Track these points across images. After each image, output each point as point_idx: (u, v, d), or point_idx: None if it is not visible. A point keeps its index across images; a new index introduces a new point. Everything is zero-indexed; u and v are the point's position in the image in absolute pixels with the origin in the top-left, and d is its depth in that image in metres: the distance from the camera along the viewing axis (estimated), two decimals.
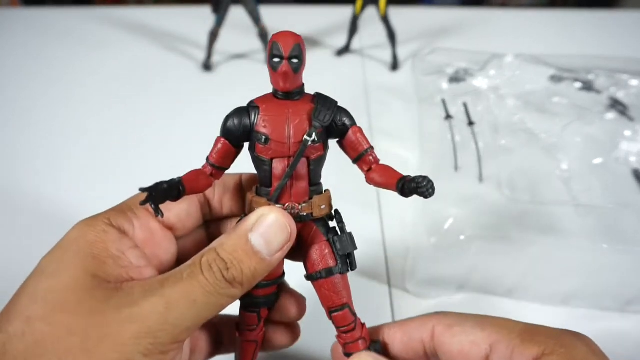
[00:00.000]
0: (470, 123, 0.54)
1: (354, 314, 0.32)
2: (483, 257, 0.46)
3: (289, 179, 0.29)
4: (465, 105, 0.55)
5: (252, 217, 0.28)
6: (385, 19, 0.84)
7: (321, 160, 0.30)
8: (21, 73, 0.88)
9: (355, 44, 0.97)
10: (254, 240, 0.27)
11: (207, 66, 0.89)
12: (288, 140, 0.29)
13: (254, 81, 0.86)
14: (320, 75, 0.95)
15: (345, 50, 0.94)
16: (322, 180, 0.32)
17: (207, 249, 0.27)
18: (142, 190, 0.25)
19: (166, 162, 0.67)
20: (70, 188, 0.63)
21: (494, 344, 0.28)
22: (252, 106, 0.30)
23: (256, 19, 0.85)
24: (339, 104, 0.30)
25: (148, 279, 0.26)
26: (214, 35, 0.86)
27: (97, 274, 0.26)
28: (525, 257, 0.45)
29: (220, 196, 0.35)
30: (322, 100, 0.30)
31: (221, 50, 0.93)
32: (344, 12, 0.95)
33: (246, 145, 0.31)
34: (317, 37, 1.02)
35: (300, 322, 0.37)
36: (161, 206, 0.26)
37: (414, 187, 0.27)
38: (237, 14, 0.88)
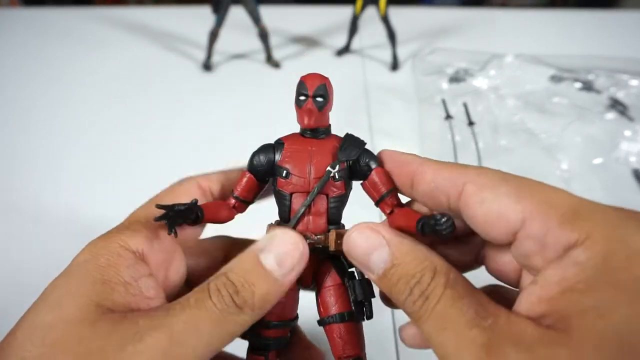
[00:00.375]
0: (470, 123, 0.54)
1: None
2: None
3: (306, 208, 0.29)
4: (465, 105, 0.55)
5: (263, 238, 0.27)
6: (385, 19, 0.84)
7: (342, 200, 0.30)
8: (21, 73, 0.89)
9: (355, 44, 0.97)
10: (264, 260, 0.25)
11: (207, 66, 0.89)
12: (308, 176, 0.29)
13: (253, 81, 0.86)
14: None
15: (345, 50, 0.94)
16: None
17: (216, 274, 0.26)
18: (159, 207, 0.26)
19: (166, 161, 0.67)
20: (70, 188, 0.63)
21: (527, 221, 0.23)
22: (278, 143, 0.30)
23: (256, 19, 0.85)
24: (366, 146, 0.30)
25: (154, 308, 0.25)
26: (214, 35, 0.86)
27: (102, 302, 0.24)
28: None
29: None
30: (350, 139, 0.30)
31: (221, 50, 0.93)
32: (344, 12, 0.95)
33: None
34: (317, 37, 1.02)
35: None
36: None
37: (432, 223, 0.25)
38: (237, 14, 0.88)
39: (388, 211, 0.29)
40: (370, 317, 0.29)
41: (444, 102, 0.58)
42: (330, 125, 0.31)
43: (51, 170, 0.66)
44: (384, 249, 0.25)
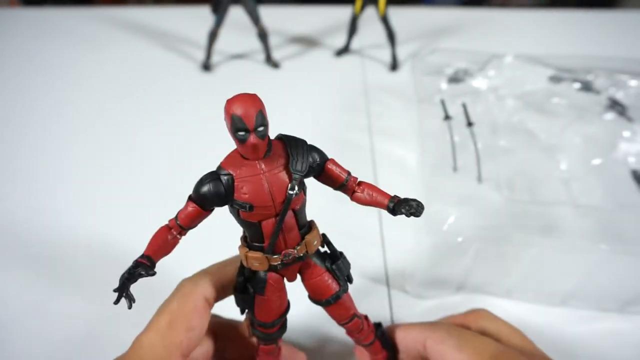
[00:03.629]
0: (470, 123, 0.54)
1: (360, 317, 0.35)
2: (482, 258, 0.46)
3: (279, 232, 0.29)
4: (464, 106, 0.55)
5: None
6: (384, 19, 0.85)
7: (304, 205, 0.31)
8: (21, 73, 0.89)
9: (355, 44, 0.97)
10: None
11: (207, 66, 0.89)
12: (272, 202, 0.28)
13: (253, 81, 0.86)
14: (319, 76, 0.95)
15: (344, 50, 0.94)
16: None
17: None
18: (115, 290, 0.27)
19: (165, 162, 0.67)
20: (69, 188, 0.63)
21: None
22: (223, 173, 0.28)
23: (256, 19, 0.85)
24: (308, 143, 0.30)
25: None
26: (213, 36, 0.86)
27: None
28: (524, 258, 0.45)
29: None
30: (293, 147, 0.29)
31: (221, 50, 0.93)
32: (344, 12, 0.95)
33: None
34: (317, 37, 1.02)
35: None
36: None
37: (404, 212, 0.29)
38: (236, 14, 0.88)
39: (350, 193, 0.31)
40: (351, 281, 0.34)
41: (442, 102, 0.58)
42: (268, 137, 0.29)
43: (51, 170, 0.66)
44: None
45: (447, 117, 0.56)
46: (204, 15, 0.88)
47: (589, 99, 0.62)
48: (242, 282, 0.32)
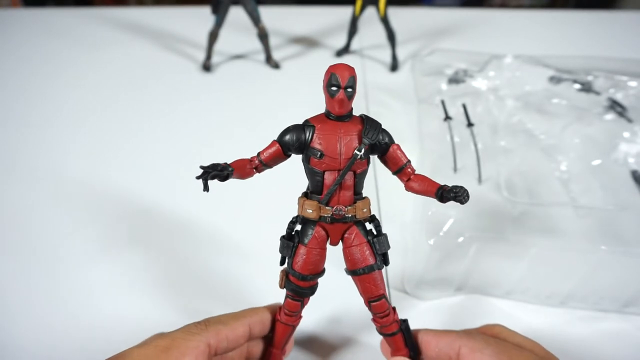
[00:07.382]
0: (470, 124, 0.54)
1: (389, 302, 0.37)
2: (482, 258, 0.46)
3: (338, 186, 0.34)
4: (464, 106, 0.55)
5: None
6: (384, 20, 0.85)
7: (364, 173, 0.35)
8: (22, 73, 0.89)
9: (355, 44, 0.97)
10: None
11: (207, 67, 0.89)
12: (340, 156, 0.33)
13: (253, 82, 0.86)
14: (320, 76, 0.95)
15: (344, 50, 0.94)
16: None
17: None
18: (202, 167, 0.31)
19: (164, 162, 0.67)
20: (68, 188, 0.63)
21: None
22: (308, 125, 0.34)
23: (256, 19, 0.85)
24: (382, 126, 0.35)
25: None
26: (213, 36, 0.86)
27: None
28: (524, 258, 0.45)
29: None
30: (369, 122, 0.34)
31: (221, 50, 0.93)
32: (344, 13, 0.95)
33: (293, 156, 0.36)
34: (317, 37, 1.02)
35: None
36: None
37: (452, 196, 0.32)
38: (236, 15, 0.88)
39: (406, 179, 0.36)
40: (387, 263, 0.37)
41: (443, 103, 0.58)
42: (352, 108, 0.34)
43: (49, 170, 0.66)
44: None
45: (447, 118, 0.56)
46: (204, 16, 0.88)
47: (589, 100, 0.63)
48: (291, 231, 0.37)
